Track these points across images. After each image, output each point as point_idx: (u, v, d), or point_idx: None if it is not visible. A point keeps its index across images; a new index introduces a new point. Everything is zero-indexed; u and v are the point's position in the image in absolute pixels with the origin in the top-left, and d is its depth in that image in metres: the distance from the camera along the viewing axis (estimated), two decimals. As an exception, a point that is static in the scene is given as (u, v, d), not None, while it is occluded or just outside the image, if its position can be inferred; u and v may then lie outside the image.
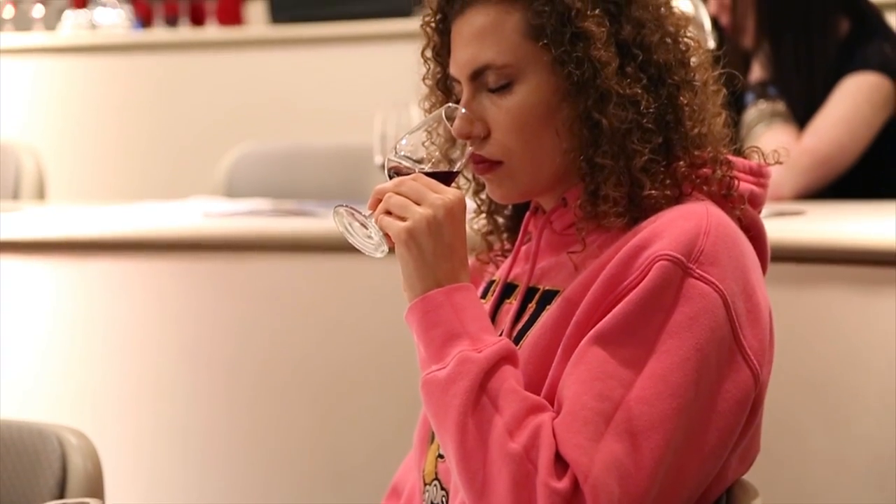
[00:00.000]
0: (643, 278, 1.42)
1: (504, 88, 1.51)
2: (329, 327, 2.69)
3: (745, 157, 1.56)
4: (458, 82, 1.54)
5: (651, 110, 1.49)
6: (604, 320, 1.43)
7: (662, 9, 1.53)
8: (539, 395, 1.45)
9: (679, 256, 1.42)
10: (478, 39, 1.51)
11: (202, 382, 2.76)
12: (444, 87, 1.59)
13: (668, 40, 1.52)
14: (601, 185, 1.48)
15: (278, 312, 2.72)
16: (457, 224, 1.45)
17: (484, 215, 1.66)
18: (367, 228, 1.46)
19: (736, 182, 1.52)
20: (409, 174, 1.48)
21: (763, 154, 1.57)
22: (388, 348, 2.56)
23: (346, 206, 1.47)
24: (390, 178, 1.50)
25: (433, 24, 1.58)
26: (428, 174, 1.49)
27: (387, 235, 1.45)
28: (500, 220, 1.66)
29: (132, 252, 2.81)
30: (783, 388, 2.10)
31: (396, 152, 1.51)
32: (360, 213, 1.47)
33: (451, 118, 1.51)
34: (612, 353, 1.41)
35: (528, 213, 1.61)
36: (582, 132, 1.49)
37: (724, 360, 1.44)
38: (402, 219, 1.44)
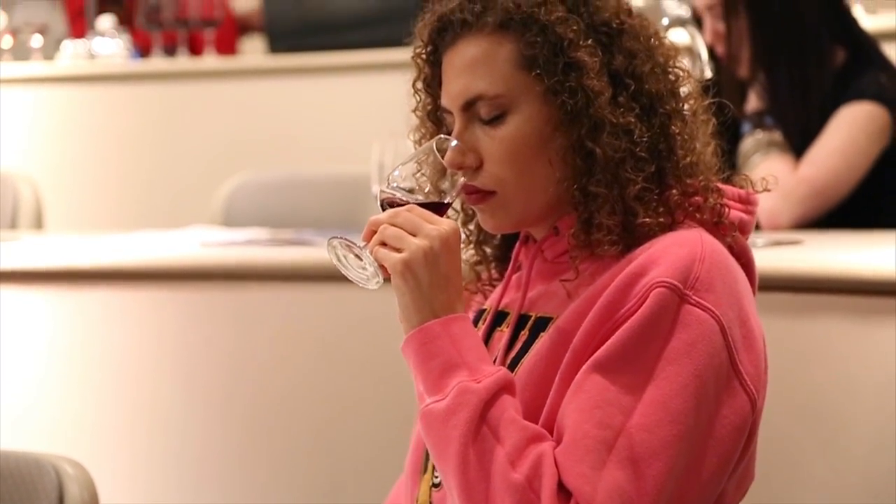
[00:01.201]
0: (640, 305, 1.43)
1: (497, 119, 1.51)
2: (326, 356, 2.69)
3: (733, 185, 1.56)
4: (450, 113, 1.55)
5: (644, 139, 1.49)
6: (602, 348, 1.43)
7: (653, 39, 1.54)
8: (536, 422, 1.45)
9: (676, 283, 1.43)
10: (470, 70, 1.52)
11: (200, 412, 2.76)
12: (434, 119, 1.60)
13: (659, 70, 1.53)
14: (594, 214, 1.49)
15: (276, 341, 2.72)
16: (452, 254, 1.46)
17: (472, 245, 1.66)
18: (361, 260, 1.47)
19: (727, 210, 1.53)
20: (402, 205, 1.49)
21: (752, 182, 1.58)
22: (384, 377, 2.56)
23: (341, 237, 1.47)
24: (383, 209, 1.50)
25: (424, 56, 1.58)
26: (421, 205, 1.49)
27: (382, 267, 1.46)
28: (489, 250, 1.67)
29: (130, 281, 2.81)
30: (780, 416, 2.10)
31: (389, 184, 1.51)
32: (354, 244, 1.47)
33: (442, 150, 1.51)
34: (612, 381, 1.42)
35: (518, 243, 1.62)
36: (575, 161, 1.50)
37: (722, 386, 1.44)
38: (398, 250, 1.44)
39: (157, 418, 2.77)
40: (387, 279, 1.47)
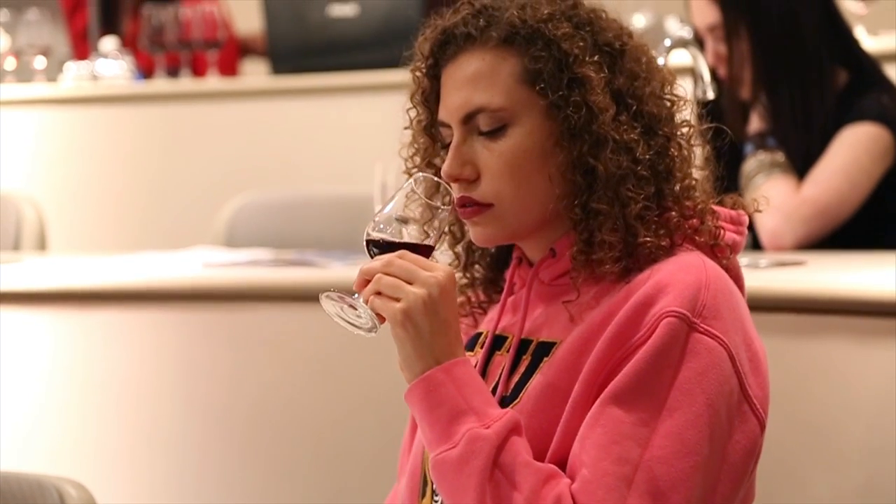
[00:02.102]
0: (651, 335, 1.43)
1: (497, 132, 1.51)
2: (329, 377, 2.69)
3: (723, 206, 1.57)
4: (447, 127, 1.55)
5: (646, 158, 1.50)
6: (616, 380, 1.43)
7: (652, 63, 1.55)
8: (545, 448, 1.45)
9: (685, 312, 1.44)
10: (472, 83, 1.52)
11: (202, 433, 2.75)
12: (429, 133, 1.59)
13: (658, 93, 1.54)
14: (596, 231, 1.49)
15: (279, 362, 2.72)
16: (450, 299, 1.45)
17: (460, 268, 1.65)
18: (356, 310, 1.46)
19: (722, 232, 1.54)
20: (390, 247, 1.48)
21: (741, 202, 1.58)
22: (386, 397, 2.55)
23: (334, 292, 1.47)
24: (370, 252, 1.49)
25: (424, 69, 1.58)
26: (409, 247, 1.48)
27: (379, 315, 1.45)
28: (478, 273, 1.66)
29: (132, 302, 2.81)
30: (784, 438, 2.10)
31: (375, 226, 1.50)
32: (348, 296, 1.46)
33: (424, 186, 1.51)
34: (627, 413, 1.42)
35: (511, 265, 1.61)
36: (575, 178, 1.50)
37: (733, 412, 1.45)
38: (396, 299, 1.43)
39: (159, 439, 2.77)
40: (383, 323, 1.46)
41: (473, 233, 1.55)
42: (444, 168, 1.52)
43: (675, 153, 1.52)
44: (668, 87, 1.55)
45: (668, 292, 1.45)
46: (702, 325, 1.44)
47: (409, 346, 1.45)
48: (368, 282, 1.46)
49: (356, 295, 1.47)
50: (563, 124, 1.50)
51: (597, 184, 1.49)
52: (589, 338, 1.47)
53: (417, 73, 1.59)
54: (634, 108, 1.51)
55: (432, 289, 1.44)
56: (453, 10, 1.57)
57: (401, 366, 1.47)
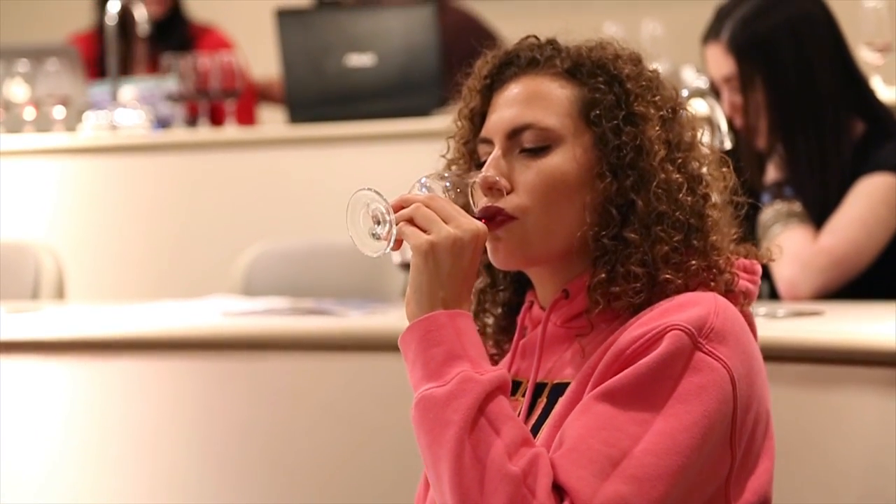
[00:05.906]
0: (653, 342, 1.45)
1: (540, 151, 1.54)
2: (346, 426, 2.68)
3: (737, 255, 1.59)
4: (487, 143, 1.57)
5: (687, 203, 1.52)
6: (613, 379, 1.45)
7: (697, 136, 1.58)
8: None
9: (691, 329, 1.46)
10: (526, 101, 1.56)
11: (220, 484, 2.75)
12: (469, 150, 1.62)
13: (700, 161, 1.57)
14: (619, 265, 1.51)
15: (297, 411, 2.72)
16: (477, 254, 1.47)
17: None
18: (379, 224, 1.46)
19: (736, 279, 1.56)
20: None
21: (756, 252, 1.61)
22: (404, 447, 2.55)
23: (374, 190, 1.46)
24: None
25: (478, 87, 1.61)
26: None
27: (398, 241, 1.45)
28: (489, 320, 1.67)
29: (150, 351, 2.81)
30: (801, 489, 2.09)
31: (423, 184, 1.52)
32: (385, 201, 1.46)
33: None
34: (622, 410, 1.43)
35: (523, 308, 1.63)
36: (610, 211, 1.52)
37: (721, 434, 1.46)
38: (427, 231, 1.45)
39: (177, 488, 2.77)
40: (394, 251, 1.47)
41: (492, 250, 1.57)
42: (482, 173, 1.55)
43: (711, 214, 1.55)
44: (705, 165, 1.58)
45: (676, 313, 1.47)
46: (706, 346, 1.46)
47: (425, 278, 1.46)
48: (404, 209, 1.47)
49: (390, 210, 1.46)
50: (611, 156, 1.53)
51: (632, 218, 1.52)
52: (595, 364, 1.49)
53: (472, 91, 1.62)
54: (680, 160, 1.54)
55: (465, 233, 1.46)
56: (518, 41, 1.62)
57: (407, 300, 1.48)
